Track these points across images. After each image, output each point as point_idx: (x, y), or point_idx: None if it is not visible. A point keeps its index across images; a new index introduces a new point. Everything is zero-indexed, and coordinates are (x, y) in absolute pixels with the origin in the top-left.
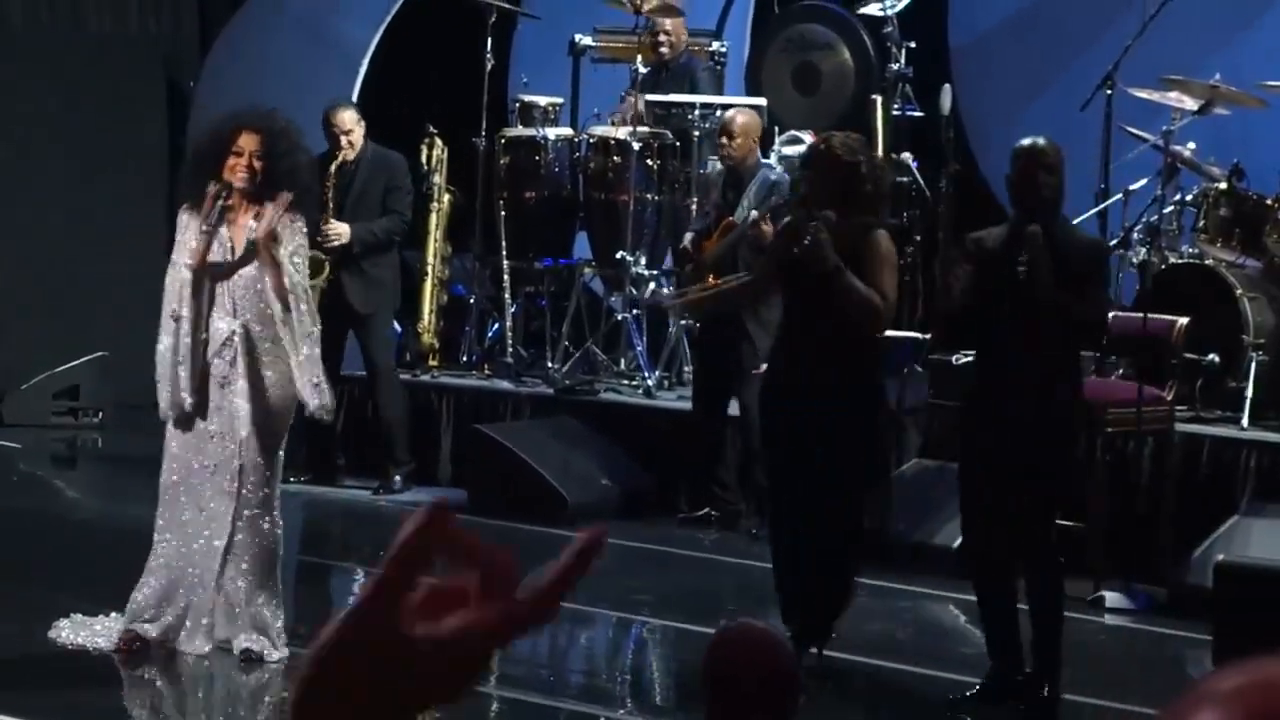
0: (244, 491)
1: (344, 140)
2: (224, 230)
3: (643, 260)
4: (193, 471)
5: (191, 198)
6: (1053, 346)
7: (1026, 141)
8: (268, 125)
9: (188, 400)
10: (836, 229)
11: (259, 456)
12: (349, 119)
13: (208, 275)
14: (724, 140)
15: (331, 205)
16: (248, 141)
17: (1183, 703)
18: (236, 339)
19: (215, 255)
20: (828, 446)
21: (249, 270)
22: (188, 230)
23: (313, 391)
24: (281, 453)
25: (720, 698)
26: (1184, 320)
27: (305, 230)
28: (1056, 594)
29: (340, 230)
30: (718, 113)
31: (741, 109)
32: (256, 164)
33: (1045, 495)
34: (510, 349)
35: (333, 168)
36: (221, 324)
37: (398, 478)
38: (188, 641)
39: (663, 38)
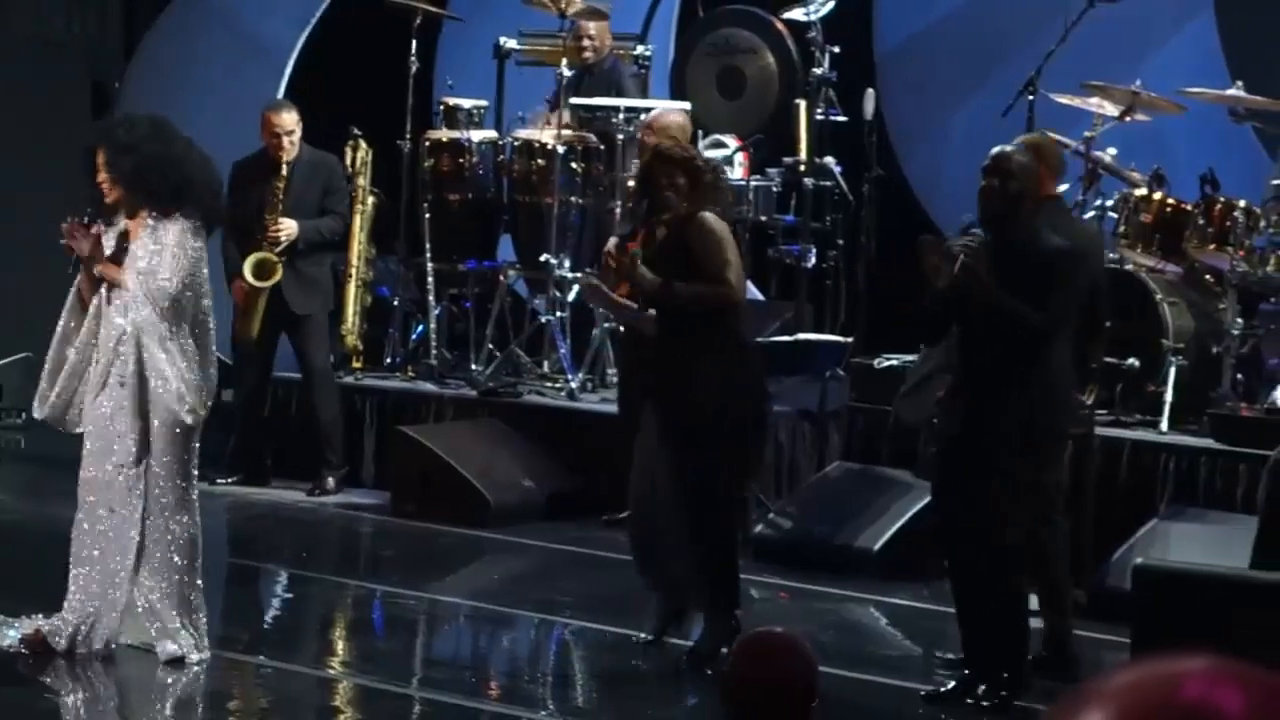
0: (153, 491)
1: (285, 141)
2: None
3: (566, 263)
4: (104, 472)
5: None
6: (1004, 351)
7: (995, 149)
8: (105, 138)
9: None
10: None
11: (166, 454)
12: (290, 120)
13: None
14: (647, 138)
15: (280, 205)
16: (100, 158)
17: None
18: (128, 338)
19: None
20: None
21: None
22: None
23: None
24: (194, 449)
25: (740, 705)
26: (1105, 325)
27: (177, 226)
28: (1017, 595)
29: (289, 227)
30: (642, 115)
31: (672, 110)
32: (108, 179)
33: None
34: (434, 351)
35: (283, 169)
36: (117, 321)
37: (331, 481)
38: (96, 640)
39: (586, 42)
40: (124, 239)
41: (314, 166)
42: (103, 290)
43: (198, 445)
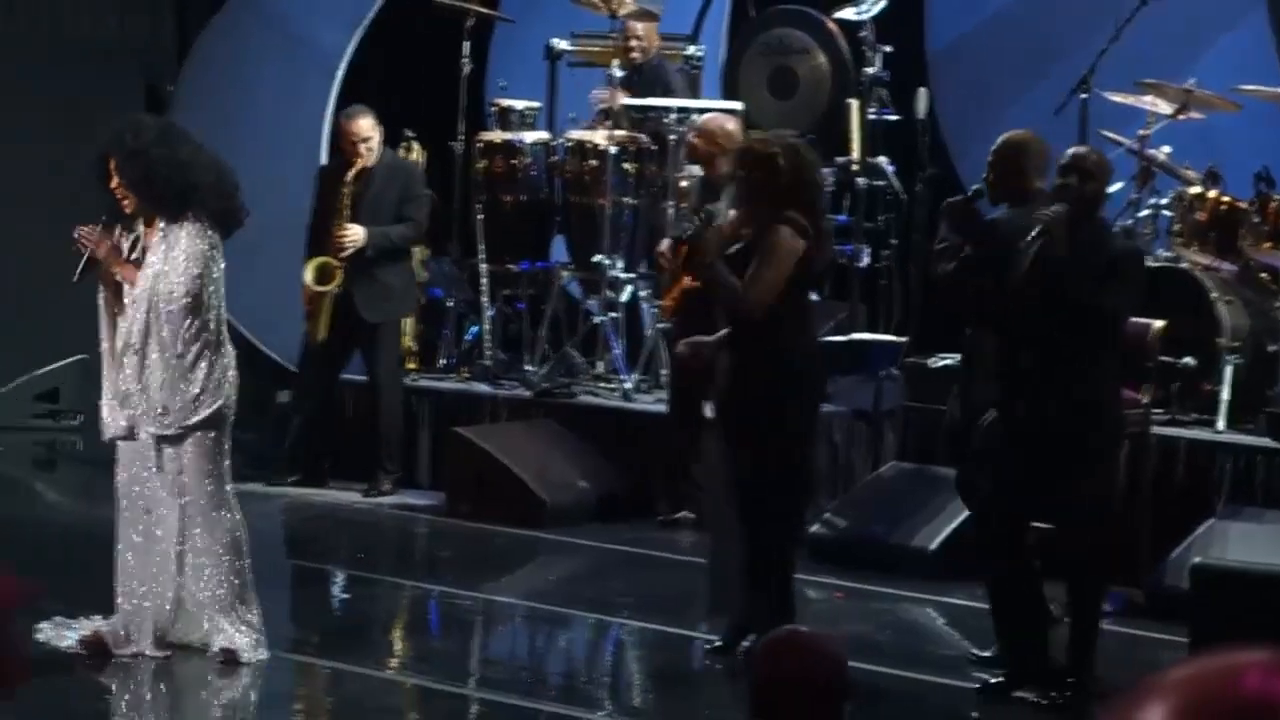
0: (188, 492)
1: (362, 148)
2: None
3: (620, 264)
4: (137, 475)
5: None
6: (1075, 348)
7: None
8: (114, 145)
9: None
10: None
11: (193, 456)
12: (366, 126)
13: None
14: (698, 141)
15: (348, 212)
16: (111, 166)
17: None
18: (132, 345)
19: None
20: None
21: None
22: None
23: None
24: (224, 449)
25: (766, 704)
26: (1160, 323)
27: (188, 229)
28: (1095, 593)
29: (355, 234)
30: (694, 116)
31: (725, 115)
32: (120, 188)
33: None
34: (488, 352)
35: (349, 174)
36: (122, 328)
37: (387, 485)
38: (144, 642)
39: (634, 42)
40: (136, 245)
41: (392, 171)
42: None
43: (228, 445)
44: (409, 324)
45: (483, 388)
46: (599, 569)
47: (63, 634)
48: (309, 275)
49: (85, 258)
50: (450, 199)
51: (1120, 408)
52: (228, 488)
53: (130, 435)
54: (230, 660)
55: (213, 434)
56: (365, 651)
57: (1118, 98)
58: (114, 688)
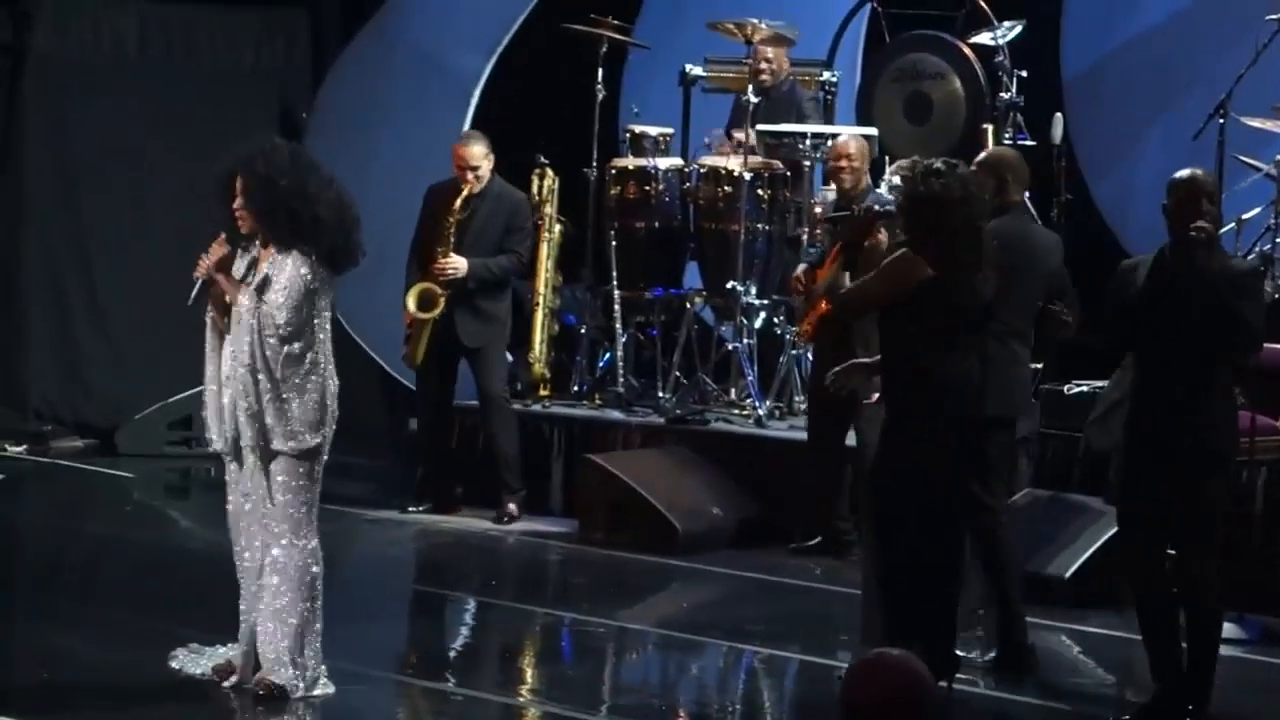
0: (268, 521)
1: (470, 175)
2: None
3: (753, 290)
4: (237, 505)
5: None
6: (1200, 366)
7: (1185, 172)
8: (245, 167)
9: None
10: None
11: (280, 487)
12: (475, 154)
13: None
14: (841, 163)
15: (451, 240)
16: (238, 185)
17: None
18: (236, 369)
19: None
20: None
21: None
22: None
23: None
24: (314, 482)
25: None
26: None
27: (294, 259)
28: (1215, 621)
29: (457, 264)
30: (828, 142)
31: (853, 136)
32: (242, 209)
33: (1196, 521)
34: (621, 378)
35: (457, 203)
36: (228, 350)
37: (512, 506)
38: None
39: (764, 65)
40: (253, 267)
41: (500, 201)
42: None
43: (319, 478)
44: (542, 350)
45: (615, 414)
46: (732, 596)
47: (197, 661)
48: (412, 302)
49: (200, 281)
50: (584, 225)
51: (1236, 429)
52: (313, 521)
53: (236, 454)
54: (270, 693)
55: (305, 465)
56: (496, 678)
57: (1255, 122)
58: (244, 714)
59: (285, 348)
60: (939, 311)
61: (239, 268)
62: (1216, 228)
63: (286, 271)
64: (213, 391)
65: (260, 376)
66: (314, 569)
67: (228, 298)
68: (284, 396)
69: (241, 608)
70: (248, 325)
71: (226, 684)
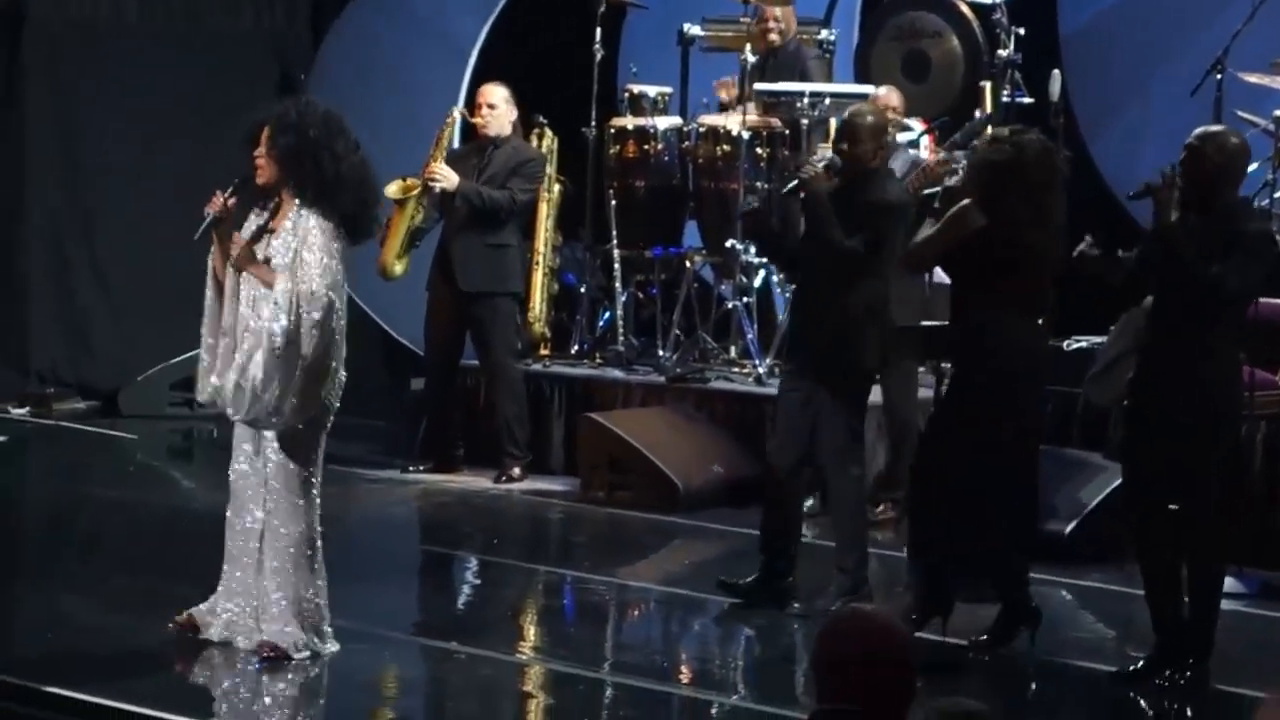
0: (269, 480)
1: (484, 111)
2: (254, 219)
3: (752, 248)
4: (236, 470)
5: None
6: (1196, 324)
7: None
8: (277, 118)
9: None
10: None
11: (280, 453)
12: (494, 93)
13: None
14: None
15: (444, 150)
16: (264, 134)
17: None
18: (252, 334)
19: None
20: None
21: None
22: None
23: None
24: (317, 449)
25: (831, 682)
26: None
27: (317, 224)
28: (1216, 576)
29: (445, 173)
30: (826, 100)
31: (871, 109)
32: (266, 155)
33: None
34: (621, 337)
35: (454, 112)
36: (243, 311)
37: (516, 470)
38: (240, 638)
39: (771, 24)
40: (267, 225)
41: (516, 151)
42: (241, 276)
43: (322, 446)
44: (542, 309)
45: (616, 373)
46: (734, 554)
47: (207, 620)
48: (391, 188)
49: (209, 219)
50: (583, 185)
51: (1240, 385)
52: (315, 483)
53: (220, 404)
54: (271, 653)
55: (310, 430)
56: (499, 636)
57: (1253, 78)
58: (251, 670)
59: (321, 319)
60: (988, 261)
61: (251, 224)
62: (1171, 184)
63: (317, 240)
64: (209, 345)
65: (288, 354)
66: (314, 531)
67: (265, 281)
68: (312, 370)
69: (225, 568)
70: (265, 297)
71: (201, 635)
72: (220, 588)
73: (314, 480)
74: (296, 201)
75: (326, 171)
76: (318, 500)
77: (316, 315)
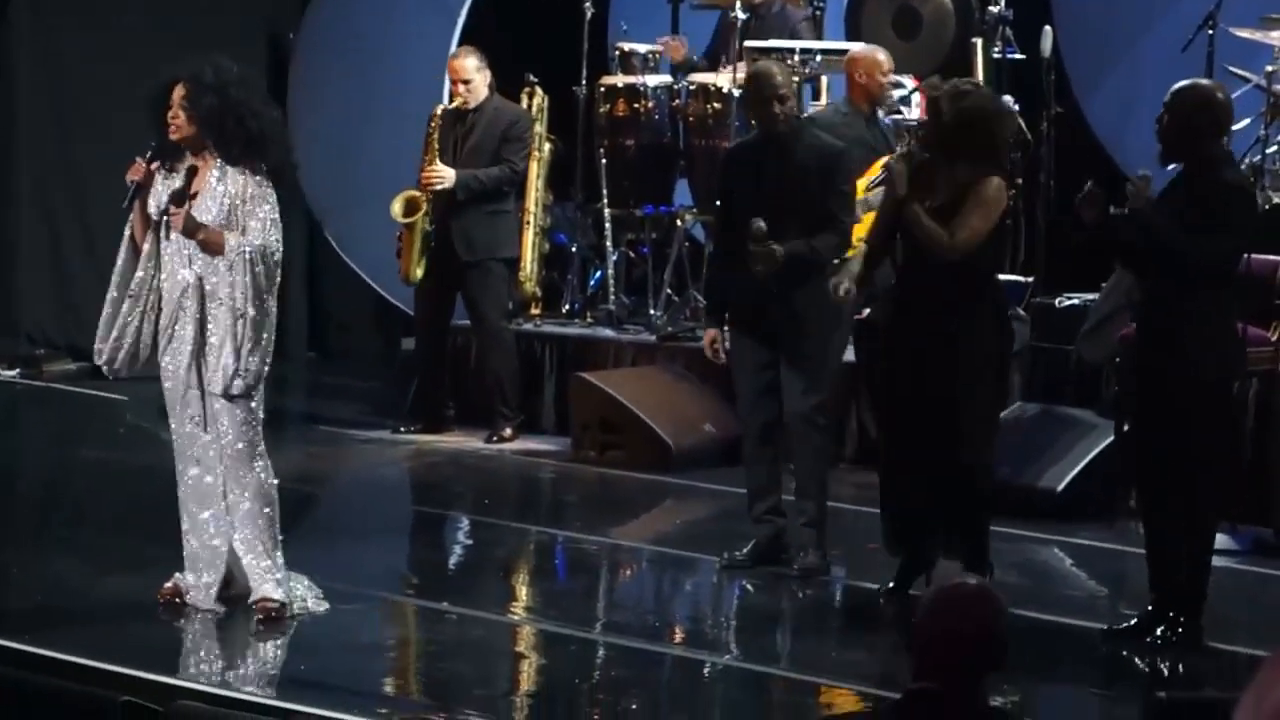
0: (223, 443)
1: (460, 88)
2: (162, 183)
3: None
4: (184, 429)
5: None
6: (1174, 292)
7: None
8: (191, 75)
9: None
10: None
11: (225, 410)
12: (465, 67)
13: (151, 229)
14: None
15: (437, 150)
16: (177, 93)
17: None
18: (191, 291)
19: (152, 210)
20: None
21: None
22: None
23: (218, 372)
24: (257, 401)
25: (934, 655)
26: None
27: (250, 180)
28: (1207, 531)
29: (444, 174)
30: (817, 58)
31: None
32: (182, 114)
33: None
34: (612, 296)
35: (437, 110)
36: (182, 272)
37: (508, 430)
38: (202, 598)
39: None
40: (190, 178)
41: (498, 114)
42: (163, 236)
43: (260, 398)
44: (533, 269)
45: (607, 332)
46: (725, 513)
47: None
48: (396, 207)
49: (132, 186)
50: (574, 144)
51: (1233, 346)
52: (260, 441)
53: (112, 364)
54: (269, 607)
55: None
56: (490, 596)
57: (1244, 33)
58: (243, 631)
59: (269, 278)
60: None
61: (171, 183)
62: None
63: (253, 195)
64: (114, 299)
65: (210, 309)
66: (272, 483)
67: (215, 243)
68: (259, 329)
69: (185, 527)
70: (240, 265)
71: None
72: (187, 556)
73: (260, 434)
74: (218, 160)
75: (251, 129)
76: (268, 459)
77: (261, 269)
